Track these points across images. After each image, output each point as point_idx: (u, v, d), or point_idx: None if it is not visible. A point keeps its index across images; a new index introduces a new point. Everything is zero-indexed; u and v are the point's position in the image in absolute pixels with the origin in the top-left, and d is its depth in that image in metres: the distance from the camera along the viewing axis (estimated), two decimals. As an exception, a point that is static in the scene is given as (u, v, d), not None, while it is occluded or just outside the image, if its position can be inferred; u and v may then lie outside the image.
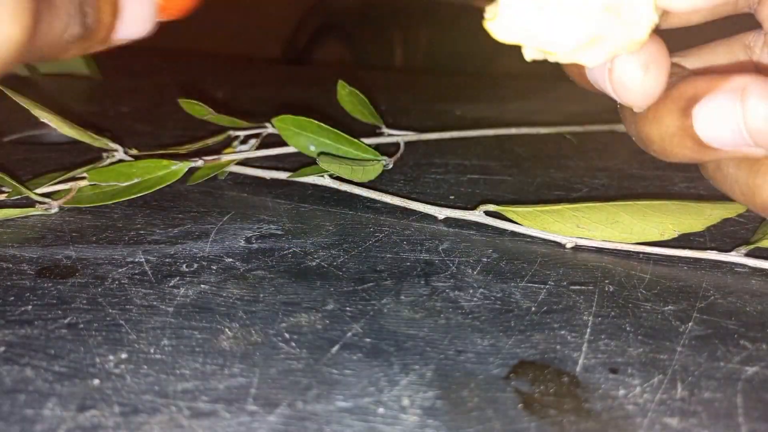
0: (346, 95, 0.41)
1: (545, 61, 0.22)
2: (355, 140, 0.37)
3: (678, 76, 0.21)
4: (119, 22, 0.24)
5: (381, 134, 0.44)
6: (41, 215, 0.33)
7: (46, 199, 0.33)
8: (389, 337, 0.24)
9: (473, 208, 0.34)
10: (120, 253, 0.30)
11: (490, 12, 0.19)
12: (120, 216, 0.33)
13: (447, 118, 0.52)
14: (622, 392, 0.21)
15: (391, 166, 0.38)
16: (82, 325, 0.24)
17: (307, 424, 0.20)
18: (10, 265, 0.28)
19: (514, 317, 0.25)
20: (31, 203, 0.33)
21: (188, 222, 0.33)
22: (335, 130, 0.37)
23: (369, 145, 0.37)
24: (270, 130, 0.41)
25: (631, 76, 0.20)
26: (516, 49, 0.24)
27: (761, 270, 0.29)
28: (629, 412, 0.20)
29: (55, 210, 0.33)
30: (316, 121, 0.37)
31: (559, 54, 0.19)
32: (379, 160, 0.38)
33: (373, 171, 0.36)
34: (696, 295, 0.27)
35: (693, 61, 0.25)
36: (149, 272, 0.28)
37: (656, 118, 0.21)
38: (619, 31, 0.19)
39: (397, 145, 0.42)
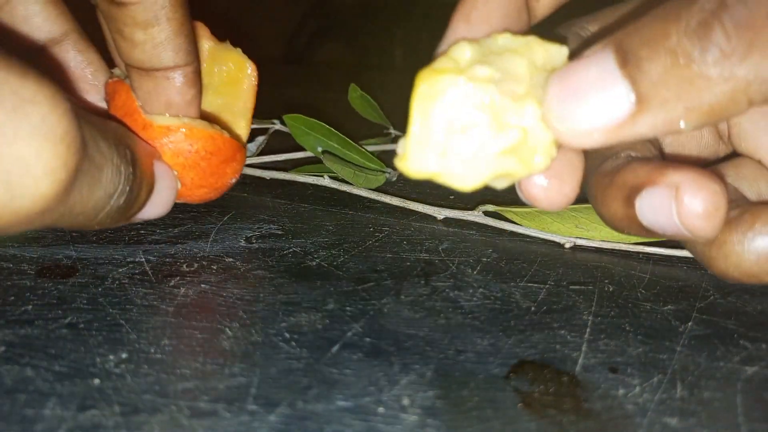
0: (358, 98, 0.42)
1: None
2: (363, 149, 0.37)
3: (621, 160, 0.22)
4: (149, 203, 0.26)
5: (389, 135, 0.44)
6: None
7: None
8: (389, 337, 0.24)
9: (473, 208, 0.34)
10: (120, 252, 0.30)
11: (400, 150, 0.21)
12: (120, 216, 0.33)
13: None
14: (621, 392, 0.21)
15: (395, 178, 0.38)
16: (82, 325, 0.24)
17: (307, 424, 0.20)
18: (11, 265, 0.28)
19: (513, 317, 0.25)
20: None
21: (188, 222, 0.33)
22: (343, 136, 0.37)
23: (373, 152, 0.38)
24: (277, 127, 0.41)
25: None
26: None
27: (761, 270, 0.29)
28: (629, 412, 0.20)
29: None
30: (326, 125, 0.37)
31: (467, 186, 0.21)
32: (384, 172, 0.38)
33: (375, 180, 0.37)
34: (695, 294, 0.27)
35: (732, 176, 0.25)
36: (149, 272, 0.28)
37: (605, 204, 0.22)
38: (519, 168, 0.20)
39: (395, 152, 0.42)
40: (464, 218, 0.33)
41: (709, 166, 0.25)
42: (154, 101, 0.28)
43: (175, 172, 0.28)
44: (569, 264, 0.30)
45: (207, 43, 0.32)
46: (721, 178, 0.21)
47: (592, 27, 0.25)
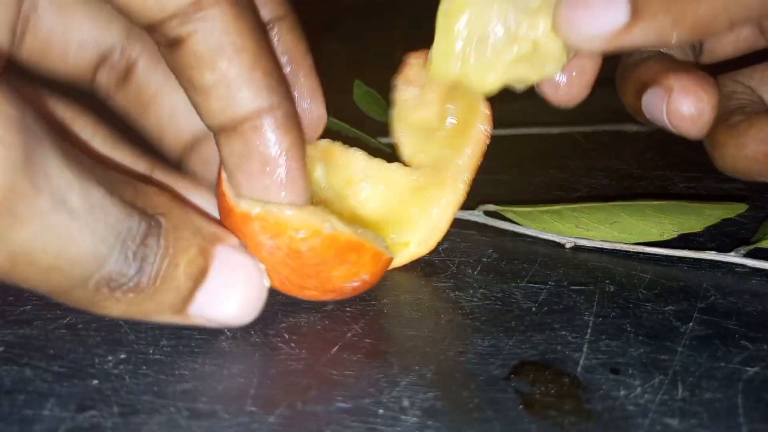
0: (363, 94, 0.42)
1: None
2: (373, 140, 0.37)
3: (644, 55, 0.26)
4: (206, 293, 0.21)
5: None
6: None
7: None
8: (389, 338, 0.24)
9: (473, 208, 0.34)
10: (119, 253, 0.29)
11: (427, 58, 0.25)
12: (119, 216, 0.33)
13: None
14: (623, 393, 0.21)
15: None
16: (81, 326, 0.24)
17: (306, 425, 0.20)
18: (9, 265, 0.28)
19: (514, 317, 0.25)
20: None
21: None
22: (355, 130, 0.37)
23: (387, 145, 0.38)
24: None
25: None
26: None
27: (761, 270, 0.29)
28: (630, 413, 0.20)
29: None
30: (335, 119, 0.37)
31: (485, 88, 0.25)
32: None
33: None
34: (696, 295, 0.27)
35: (757, 79, 0.28)
36: (148, 272, 0.28)
37: (622, 92, 0.26)
38: (532, 73, 0.24)
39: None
40: (464, 218, 0.33)
41: (743, 61, 0.28)
42: (248, 168, 0.22)
43: (262, 267, 0.23)
44: (570, 264, 0.29)
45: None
46: (715, 86, 0.23)
47: None
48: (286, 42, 0.24)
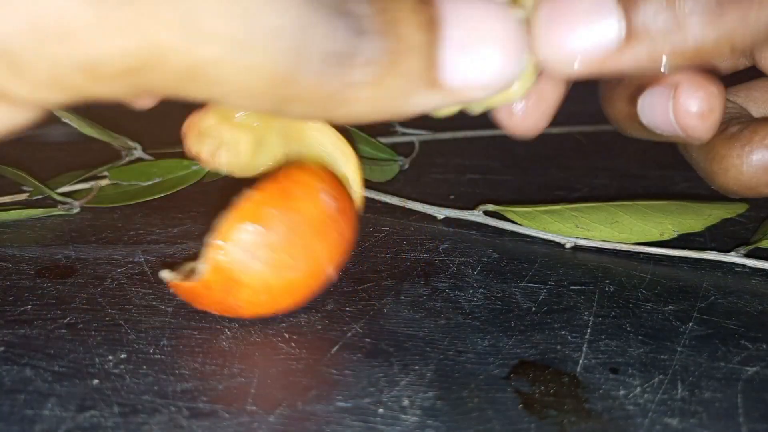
0: None
1: None
2: (372, 139, 0.37)
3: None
4: (444, 43, 0.16)
5: (395, 133, 0.44)
6: (44, 215, 0.33)
7: (68, 199, 0.33)
8: (389, 337, 0.24)
9: (473, 208, 0.34)
10: (119, 252, 0.29)
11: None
12: (119, 216, 0.33)
13: (446, 118, 0.52)
14: (622, 392, 0.21)
15: (407, 166, 0.38)
16: (81, 325, 0.24)
17: (306, 425, 0.20)
18: (10, 265, 0.28)
19: (514, 317, 0.25)
20: (52, 203, 0.33)
21: (187, 222, 0.33)
22: (353, 128, 0.37)
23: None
24: None
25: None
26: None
27: (761, 270, 0.29)
28: (630, 413, 0.20)
29: (76, 210, 0.33)
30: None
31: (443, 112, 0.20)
32: (396, 161, 0.38)
33: (390, 171, 0.36)
34: (696, 295, 0.27)
35: (743, 97, 0.27)
36: (148, 272, 0.28)
37: (611, 102, 0.23)
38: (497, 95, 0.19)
39: (406, 144, 0.42)
40: (464, 218, 0.33)
41: (724, 81, 0.26)
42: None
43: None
44: (570, 264, 0.29)
45: None
46: (720, 83, 0.21)
47: None
48: None
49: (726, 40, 0.19)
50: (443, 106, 0.18)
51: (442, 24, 0.16)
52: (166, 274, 0.23)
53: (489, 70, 0.16)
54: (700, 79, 0.21)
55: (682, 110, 0.21)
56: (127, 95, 0.14)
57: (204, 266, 0.22)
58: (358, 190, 0.26)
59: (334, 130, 0.26)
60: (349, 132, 0.27)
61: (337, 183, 0.24)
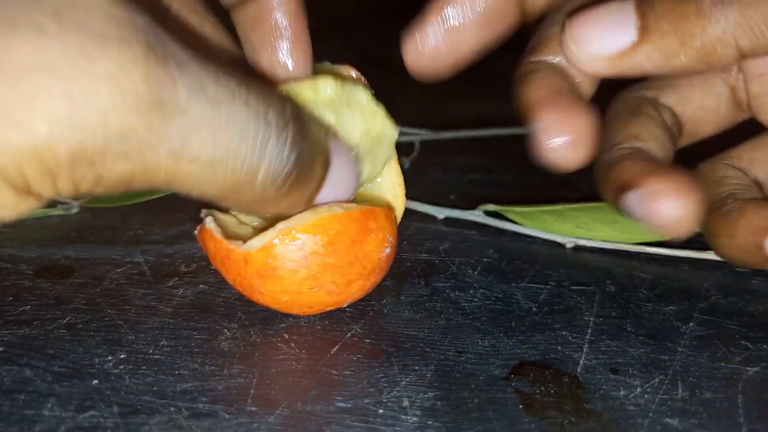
0: None
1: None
2: None
3: (618, 153, 0.24)
4: (328, 182, 0.22)
5: None
6: (41, 215, 0.33)
7: (67, 199, 0.33)
8: (389, 338, 0.24)
9: (473, 208, 0.33)
10: (118, 253, 0.29)
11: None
12: (118, 216, 0.33)
13: (446, 118, 0.52)
14: (623, 393, 0.21)
15: (407, 166, 0.38)
16: (80, 326, 0.24)
17: (306, 425, 0.20)
18: (9, 265, 0.28)
19: (514, 318, 0.25)
20: (51, 203, 0.33)
21: (187, 222, 0.33)
22: None
23: None
24: None
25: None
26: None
27: (762, 270, 0.29)
28: (630, 413, 0.20)
29: (75, 210, 0.33)
30: None
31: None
32: None
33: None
34: (697, 295, 0.27)
35: (670, 94, 0.26)
36: (148, 272, 0.28)
37: (602, 192, 0.24)
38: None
39: (406, 144, 0.42)
40: (465, 218, 0.33)
41: (727, 137, 0.27)
42: (261, 30, 0.24)
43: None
44: (571, 264, 0.29)
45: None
46: (698, 186, 0.22)
47: None
48: None
49: (730, 38, 0.20)
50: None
51: (329, 166, 0.21)
52: (210, 222, 0.23)
53: (342, 199, 0.22)
54: (675, 185, 0.22)
55: (658, 217, 0.22)
56: (112, 192, 0.18)
57: (258, 242, 0.22)
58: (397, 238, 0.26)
59: (398, 170, 0.27)
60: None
61: (396, 234, 0.25)
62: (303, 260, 0.22)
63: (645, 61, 0.22)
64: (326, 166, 0.21)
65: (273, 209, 0.20)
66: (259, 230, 0.23)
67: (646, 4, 0.22)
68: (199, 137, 0.17)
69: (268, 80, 0.25)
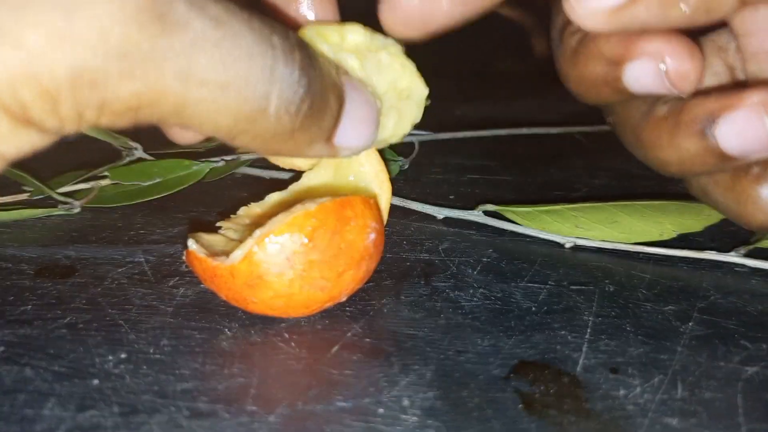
0: None
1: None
2: None
3: (677, 100, 0.24)
4: (346, 118, 0.21)
5: None
6: (45, 214, 0.33)
7: (68, 199, 0.33)
8: (389, 337, 0.24)
9: (473, 207, 0.34)
10: (119, 252, 0.29)
11: None
12: (119, 215, 0.33)
13: (446, 118, 0.52)
14: (622, 392, 0.21)
15: (407, 166, 0.38)
16: (81, 325, 0.24)
17: (306, 425, 0.20)
18: (10, 265, 0.28)
19: (514, 317, 0.25)
20: (53, 203, 0.33)
21: (188, 222, 0.33)
22: None
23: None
24: None
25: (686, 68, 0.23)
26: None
27: (761, 270, 0.29)
28: (630, 412, 0.20)
29: (77, 210, 0.33)
30: None
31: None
32: (396, 161, 0.38)
33: (390, 171, 0.36)
34: (696, 295, 0.27)
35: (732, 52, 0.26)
36: (149, 272, 0.28)
37: (672, 145, 0.24)
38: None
39: (406, 144, 0.42)
40: (464, 218, 0.33)
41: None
42: None
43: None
44: (570, 264, 0.29)
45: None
46: (691, 41, 0.23)
47: None
48: None
49: None
50: (327, 157, 0.22)
51: (344, 101, 0.21)
52: (192, 244, 0.23)
53: (362, 142, 0.22)
54: (679, 42, 0.22)
55: (675, 74, 0.22)
56: (123, 125, 0.17)
57: (239, 253, 0.22)
58: (384, 223, 0.26)
59: (379, 158, 0.27)
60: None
61: (381, 219, 0.25)
62: (286, 262, 0.22)
63: (644, 13, 0.22)
64: (341, 100, 0.21)
65: (292, 147, 0.20)
66: (239, 243, 0.23)
67: None
68: (206, 58, 0.17)
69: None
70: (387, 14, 0.24)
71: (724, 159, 0.23)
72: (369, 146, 0.22)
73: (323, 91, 0.20)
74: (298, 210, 0.22)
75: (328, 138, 0.21)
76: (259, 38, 0.18)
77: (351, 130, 0.21)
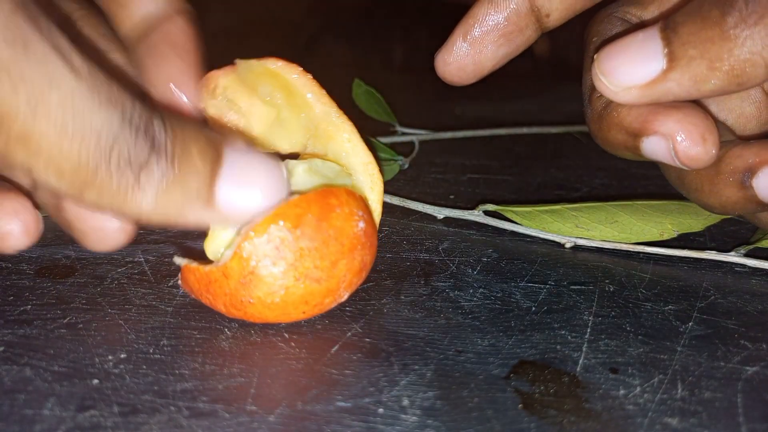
0: (363, 93, 0.41)
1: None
2: (373, 139, 0.37)
3: (722, 147, 0.24)
4: (221, 176, 0.21)
5: (395, 133, 0.44)
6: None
7: None
8: (389, 337, 0.24)
9: (473, 207, 0.34)
10: (119, 252, 0.29)
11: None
12: (119, 216, 0.33)
13: (446, 118, 0.52)
14: (622, 392, 0.21)
15: (407, 166, 0.38)
16: (81, 325, 0.24)
17: (306, 424, 0.20)
18: (10, 265, 0.28)
19: (514, 317, 0.25)
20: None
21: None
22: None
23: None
24: None
25: (694, 148, 0.23)
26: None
27: (761, 270, 0.29)
28: (629, 412, 0.20)
29: None
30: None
31: None
32: (396, 160, 0.38)
33: (390, 171, 0.36)
34: (696, 294, 0.27)
35: (708, 103, 0.27)
36: (148, 272, 0.28)
37: (713, 192, 0.24)
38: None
39: (406, 144, 0.42)
40: (464, 218, 0.33)
41: None
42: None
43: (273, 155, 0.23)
44: (570, 264, 0.29)
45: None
46: (711, 118, 0.23)
47: (639, 11, 0.27)
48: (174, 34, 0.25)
49: (759, 57, 0.21)
50: (217, 223, 0.23)
51: (222, 162, 0.21)
52: (180, 261, 0.23)
53: (251, 200, 0.21)
54: (694, 124, 0.23)
55: (683, 155, 0.23)
56: None
57: (228, 253, 0.22)
58: (377, 218, 0.26)
59: (367, 150, 0.26)
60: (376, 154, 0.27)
61: (369, 210, 0.25)
62: (276, 252, 0.22)
63: (676, 87, 0.22)
64: (209, 159, 0.21)
65: (161, 210, 0.20)
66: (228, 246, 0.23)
67: (671, 30, 0.22)
68: (59, 95, 0.17)
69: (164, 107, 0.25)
70: (443, 68, 0.27)
71: (765, 206, 0.24)
72: (265, 206, 0.22)
73: (183, 153, 0.20)
74: (281, 202, 0.22)
75: (208, 201, 0.21)
76: (113, 96, 0.19)
77: (233, 191, 0.21)
